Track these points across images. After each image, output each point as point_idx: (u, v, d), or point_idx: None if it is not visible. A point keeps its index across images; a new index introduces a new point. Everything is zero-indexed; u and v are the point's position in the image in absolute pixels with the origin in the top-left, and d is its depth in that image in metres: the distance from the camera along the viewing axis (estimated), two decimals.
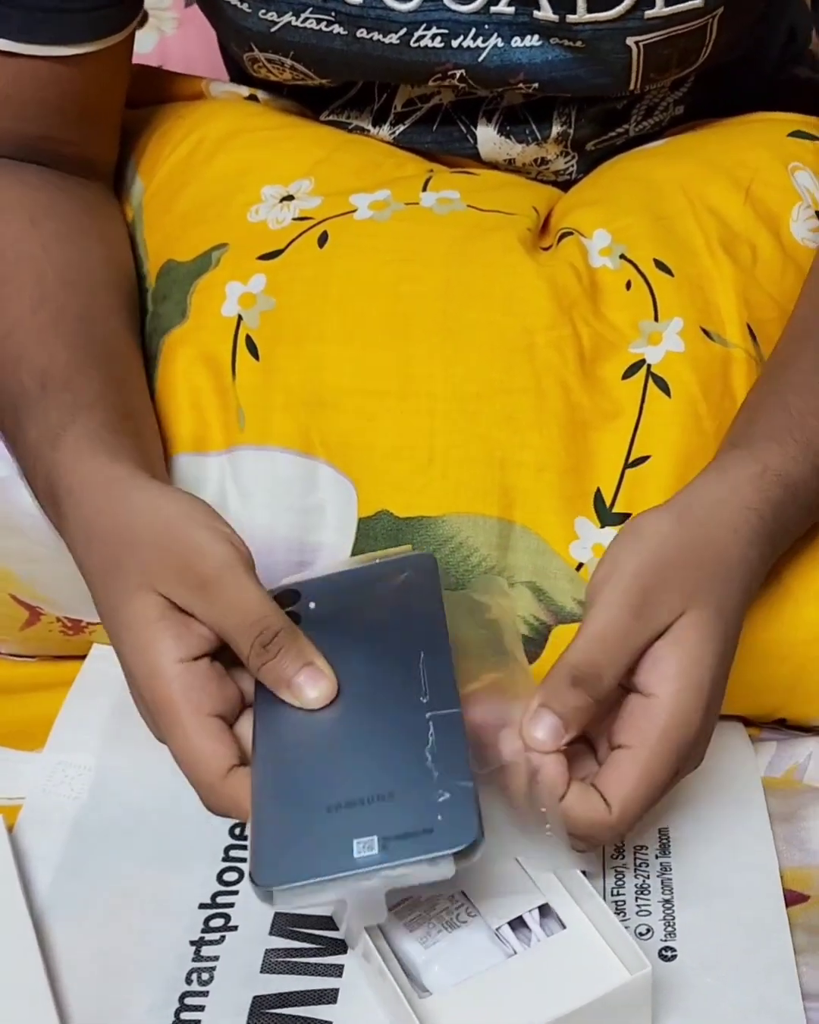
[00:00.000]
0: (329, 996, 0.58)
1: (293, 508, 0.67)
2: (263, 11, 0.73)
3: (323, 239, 0.72)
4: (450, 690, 0.53)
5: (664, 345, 0.69)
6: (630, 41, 0.72)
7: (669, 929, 0.59)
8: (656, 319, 0.69)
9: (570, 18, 0.70)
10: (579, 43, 0.72)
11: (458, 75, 0.75)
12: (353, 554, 0.67)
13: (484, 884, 0.56)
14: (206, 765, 0.53)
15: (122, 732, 0.70)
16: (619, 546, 0.56)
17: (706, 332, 0.69)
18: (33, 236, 0.69)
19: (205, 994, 0.58)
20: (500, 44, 0.73)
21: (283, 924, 0.61)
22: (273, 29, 0.74)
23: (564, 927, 0.55)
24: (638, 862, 0.62)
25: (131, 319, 0.71)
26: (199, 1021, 0.57)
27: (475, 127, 0.81)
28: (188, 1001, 0.58)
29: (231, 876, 0.63)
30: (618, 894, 0.61)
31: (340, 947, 0.60)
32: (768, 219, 0.74)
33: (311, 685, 0.53)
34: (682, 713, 0.53)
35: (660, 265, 0.71)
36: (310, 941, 0.60)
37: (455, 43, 0.73)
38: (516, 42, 0.73)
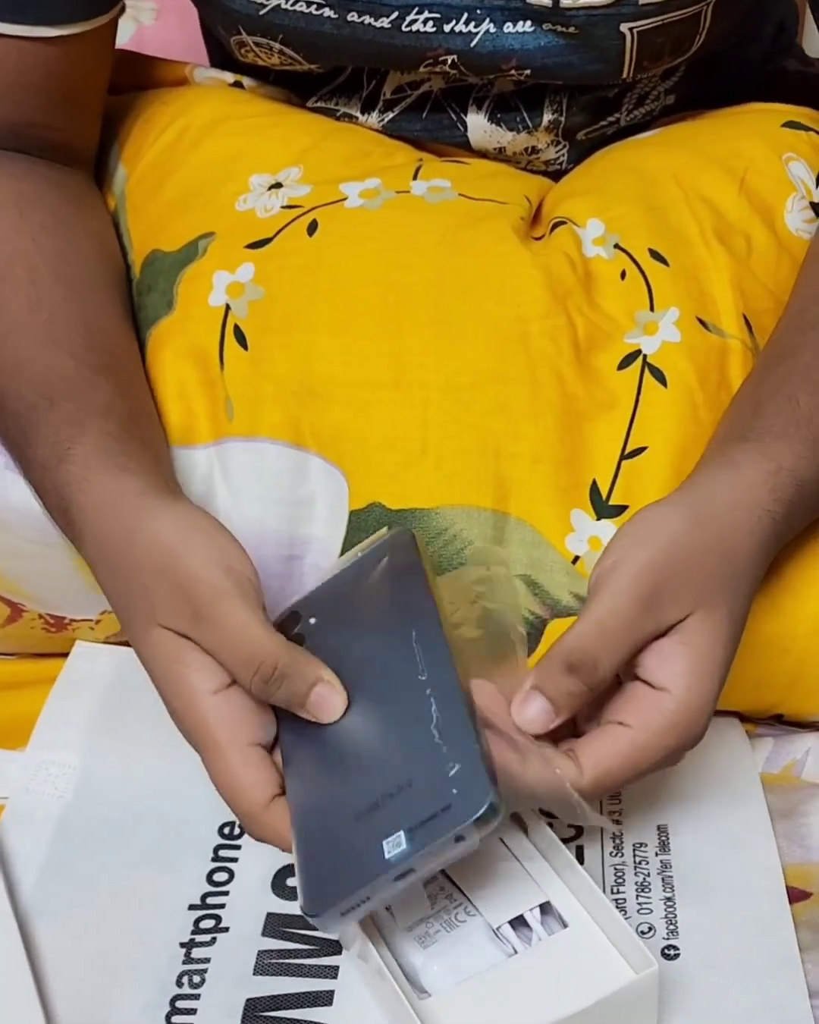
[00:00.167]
0: (324, 998, 0.57)
1: (283, 501, 0.66)
2: None
3: (313, 227, 0.71)
4: (444, 658, 0.53)
5: (660, 335, 0.68)
6: (624, 27, 0.71)
7: (671, 927, 0.59)
8: (652, 309, 0.69)
9: (564, 3, 0.69)
10: (572, 29, 0.71)
11: (449, 61, 0.74)
12: (344, 547, 0.66)
13: (484, 881, 0.55)
14: (248, 795, 0.53)
15: (107, 730, 0.69)
16: (627, 537, 0.55)
17: (702, 322, 0.68)
18: (23, 229, 0.68)
19: (197, 997, 0.57)
20: (492, 29, 0.72)
21: (276, 925, 0.60)
22: (262, 12, 0.73)
23: (566, 925, 0.54)
24: (638, 860, 0.62)
25: (125, 314, 0.70)
26: None
27: (465, 115, 0.80)
28: (179, 1004, 0.57)
29: (221, 876, 0.62)
30: (618, 892, 0.60)
31: (334, 948, 0.59)
32: (763, 210, 0.73)
33: (321, 704, 0.54)
34: (691, 710, 0.52)
35: (655, 255, 0.70)
36: (303, 942, 0.59)
37: (447, 28, 0.72)
38: (508, 28, 0.72)
